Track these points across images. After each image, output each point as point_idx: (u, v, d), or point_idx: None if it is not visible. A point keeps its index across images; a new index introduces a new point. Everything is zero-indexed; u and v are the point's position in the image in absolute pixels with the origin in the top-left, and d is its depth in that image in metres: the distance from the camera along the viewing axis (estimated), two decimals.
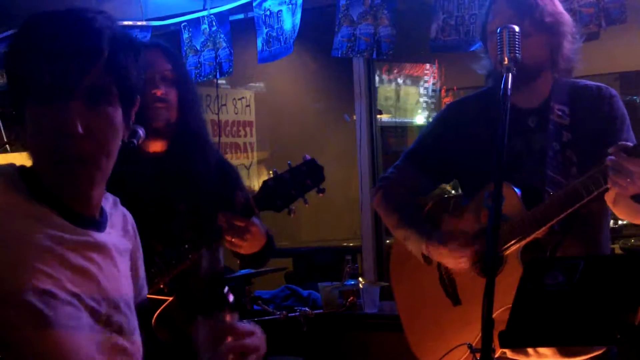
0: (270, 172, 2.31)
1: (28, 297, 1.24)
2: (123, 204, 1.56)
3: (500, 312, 1.93)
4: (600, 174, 2.01)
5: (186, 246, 2.33)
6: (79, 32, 1.31)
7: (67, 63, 1.28)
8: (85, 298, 1.31)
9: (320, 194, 2.27)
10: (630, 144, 1.99)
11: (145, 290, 1.59)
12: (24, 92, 1.32)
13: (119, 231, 1.47)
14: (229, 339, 1.36)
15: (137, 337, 1.42)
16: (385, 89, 6.05)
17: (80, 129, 1.28)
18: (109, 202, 1.48)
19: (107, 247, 1.40)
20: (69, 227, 1.34)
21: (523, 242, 2.15)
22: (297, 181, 2.24)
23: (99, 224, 1.41)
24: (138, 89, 1.41)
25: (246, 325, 1.42)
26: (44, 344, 1.24)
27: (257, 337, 1.44)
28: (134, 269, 1.52)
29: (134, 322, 1.43)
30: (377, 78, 4.98)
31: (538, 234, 2.14)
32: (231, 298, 1.40)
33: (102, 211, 1.44)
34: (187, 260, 2.33)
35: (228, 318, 1.38)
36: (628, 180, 1.94)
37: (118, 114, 1.35)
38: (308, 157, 2.27)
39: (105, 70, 1.31)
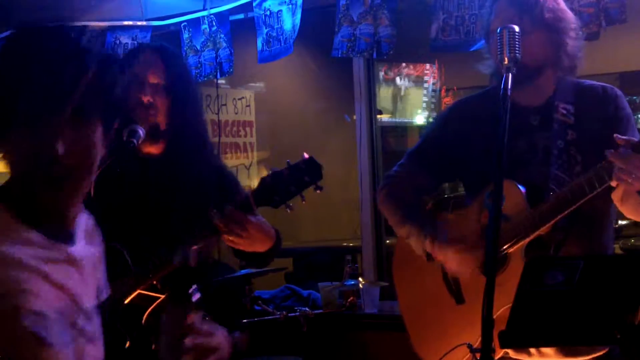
0: (270, 169, 2.32)
1: (24, 320, 1.27)
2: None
3: (504, 311, 1.93)
4: (604, 170, 2.01)
5: (183, 245, 2.33)
6: (64, 51, 1.31)
7: (51, 83, 1.29)
8: (67, 313, 1.35)
9: (318, 191, 2.26)
10: (635, 139, 1.99)
11: (106, 291, 1.60)
12: (8, 108, 1.31)
13: (84, 238, 1.49)
14: (189, 338, 1.37)
15: (101, 341, 1.46)
16: (385, 89, 6.04)
17: (61, 149, 1.29)
18: None
19: (80, 260, 1.42)
20: (49, 244, 1.36)
21: (526, 240, 2.15)
22: (295, 178, 2.24)
23: (73, 237, 1.43)
24: (121, 105, 1.41)
25: (208, 326, 1.43)
26: None
27: (217, 338, 1.45)
28: (97, 271, 1.53)
29: (100, 326, 1.46)
30: (377, 78, 4.98)
31: (541, 231, 2.14)
32: (196, 297, 1.40)
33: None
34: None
35: (189, 317, 1.39)
36: (633, 175, 1.94)
37: (99, 131, 1.36)
38: (307, 155, 2.27)
39: (89, 90, 1.32)
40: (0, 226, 1.32)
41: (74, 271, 1.40)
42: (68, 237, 1.41)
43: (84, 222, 1.50)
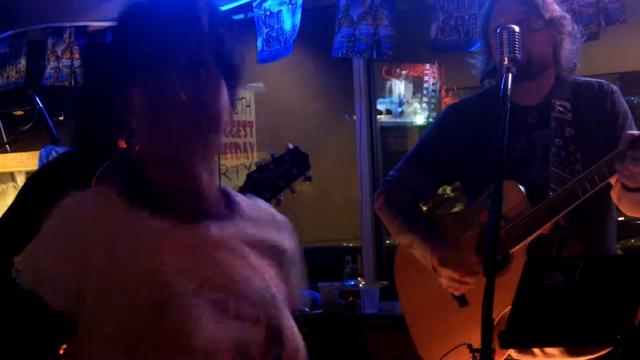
0: (255, 163, 2.31)
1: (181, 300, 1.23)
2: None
3: (508, 311, 1.93)
4: (605, 166, 2.00)
5: None
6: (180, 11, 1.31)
7: (169, 39, 1.27)
8: (211, 291, 1.29)
9: (308, 182, 2.27)
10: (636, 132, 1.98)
11: (297, 301, 1.55)
12: (130, 74, 1.29)
13: (248, 222, 1.43)
14: None
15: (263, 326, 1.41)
16: (385, 89, 6.04)
17: (184, 95, 1.25)
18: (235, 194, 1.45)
19: (227, 239, 1.36)
20: (183, 226, 1.30)
21: (528, 239, 2.14)
22: (282, 171, 2.24)
23: (218, 214, 1.37)
24: (239, 70, 1.37)
25: None
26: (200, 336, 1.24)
27: None
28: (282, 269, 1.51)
29: (279, 313, 1.44)
30: (376, 78, 4.98)
31: (543, 230, 2.13)
32: None
33: (225, 200, 1.40)
34: None
35: None
36: None
37: (222, 86, 1.32)
38: (291, 145, 2.27)
39: (205, 45, 1.30)
40: (135, 220, 1.27)
41: (217, 249, 1.33)
42: (210, 215, 1.35)
43: (250, 204, 1.46)
